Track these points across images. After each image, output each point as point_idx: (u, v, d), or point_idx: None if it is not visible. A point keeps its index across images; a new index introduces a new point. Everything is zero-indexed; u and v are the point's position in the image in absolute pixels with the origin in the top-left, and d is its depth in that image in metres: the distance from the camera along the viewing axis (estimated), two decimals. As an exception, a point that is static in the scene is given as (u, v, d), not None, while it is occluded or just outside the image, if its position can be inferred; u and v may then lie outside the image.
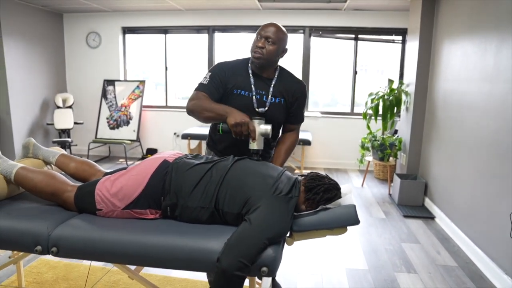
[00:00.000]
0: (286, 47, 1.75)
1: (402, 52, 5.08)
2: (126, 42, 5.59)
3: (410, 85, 4.09)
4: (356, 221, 1.36)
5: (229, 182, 1.39)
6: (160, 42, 5.53)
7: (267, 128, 1.57)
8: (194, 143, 5.17)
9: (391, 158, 4.35)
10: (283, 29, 1.70)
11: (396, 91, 4.11)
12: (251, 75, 1.74)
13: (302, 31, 5.19)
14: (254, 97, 1.71)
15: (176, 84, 5.76)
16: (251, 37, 5.80)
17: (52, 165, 1.80)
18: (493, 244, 2.46)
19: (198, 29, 5.39)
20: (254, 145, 1.58)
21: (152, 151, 5.62)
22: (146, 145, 5.66)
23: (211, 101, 1.66)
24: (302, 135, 4.69)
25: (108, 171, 1.74)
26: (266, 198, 1.32)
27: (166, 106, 5.66)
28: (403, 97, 4.11)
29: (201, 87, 1.73)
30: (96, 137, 5.33)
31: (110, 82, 5.47)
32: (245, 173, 1.42)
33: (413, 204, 3.79)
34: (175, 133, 5.56)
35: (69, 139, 4.85)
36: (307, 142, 4.59)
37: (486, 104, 2.64)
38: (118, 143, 5.15)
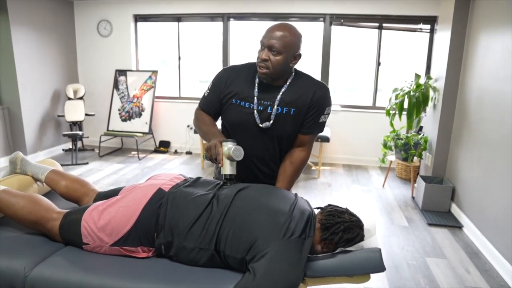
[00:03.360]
0: (299, 52, 1.46)
1: (430, 42, 4.70)
2: (138, 30, 5.39)
3: (438, 80, 3.75)
4: (381, 269, 1.15)
5: (231, 220, 1.19)
6: (173, 30, 5.30)
7: (230, 149, 1.36)
8: (207, 137, 4.99)
9: (415, 158, 4.06)
10: (293, 29, 1.41)
11: (423, 87, 3.79)
12: (256, 84, 1.50)
13: (322, 19, 4.86)
14: (255, 110, 1.48)
15: (190, 74, 5.55)
16: (268, 25, 5.47)
17: (43, 183, 1.64)
18: (532, 269, 2.20)
19: (212, 17, 5.13)
20: (223, 170, 1.40)
21: (165, 144, 5.48)
22: (158, 137, 5.52)
23: (205, 122, 1.54)
24: (319, 131, 4.44)
25: (102, 191, 1.57)
26: (275, 243, 1.11)
27: (180, 97, 5.48)
28: (431, 93, 3.78)
29: (201, 102, 1.61)
30: (107, 130, 5.22)
31: (122, 72, 5.32)
32: (250, 208, 1.22)
33: (438, 210, 3.52)
34: (188, 126, 5.39)
35: (79, 132, 4.74)
36: (325, 139, 4.34)
37: (531, 110, 2.33)
38: (130, 136, 5.03)
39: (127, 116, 5.24)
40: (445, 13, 3.70)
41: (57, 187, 1.56)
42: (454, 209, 3.46)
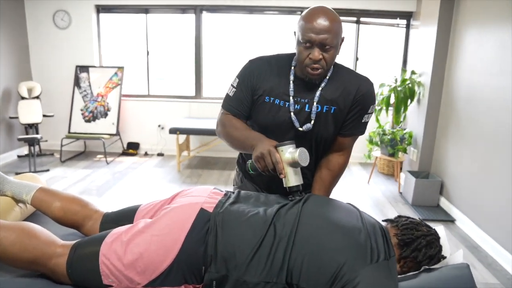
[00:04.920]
0: (343, 35, 1.27)
1: (406, 37, 4.73)
2: (101, 22, 4.91)
3: (423, 75, 3.75)
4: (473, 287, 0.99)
5: (303, 245, 0.97)
6: (140, 23, 4.89)
7: (294, 154, 1.13)
8: (182, 137, 4.67)
9: (400, 153, 4.05)
10: (333, 12, 1.19)
11: (408, 81, 3.77)
12: (291, 81, 1.29)
13: (299, 12, 4.71)
14: (292, 112, 1.27)
15: (159, 71, 5.18)
16: (244, 18, 5.28)
17: (27, 204, 1.31)
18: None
19: (183, 9, 4.78)
20: (287, 182, 1.16)
21: (134, 146, 5.06)
22: (126, 139, 5.09)
23: (237, 127, 1.28)
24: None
25: (109, 211, 1.27)
26: (365, 270, 0.92)
27: (148, 95, 5.08)
28: (415, 88, 3.77)
29: (226, 104, 1.35)
30: (69, 132, 4.71)
31: (84, 69, 4.82)
32: (322, 227, 1.00)
33: (428, 204, 3.52)
34: (159, 125, 5.02)
35: (37, 136, 4.21)
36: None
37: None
38: (96, 138, 4.57)
39: (91, 116, 4.77)
40: (428, 8, 3.70)
41: (49, 210, 1.24)
42: (443, 202, 3.47)
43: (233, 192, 1.18)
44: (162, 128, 5.01)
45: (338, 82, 1.31)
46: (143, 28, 4.87)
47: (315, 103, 1.27)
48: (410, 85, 3.70)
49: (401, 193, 3.87)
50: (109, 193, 3.61)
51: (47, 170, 4.18)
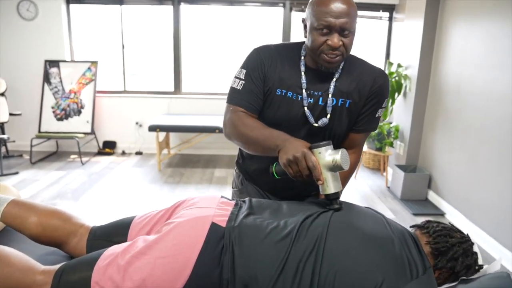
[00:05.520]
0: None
1: (389, 30, 4.70)
2: (71, 13, 4.59)
3: (409, 68, 3.71)
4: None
5: (334, 260, 0.85)
6: (114, 14, 4.61)
7: (336, 157, 0.98)
8: (161, 135, 4.46)
9: (387, 148, 4.02)
10: None
11: (395, 75, 3.72)
12: (303, 72, 1.17)
13: (282, 4, 4.58)
14: (305, 107, 1.15)
15: (132, 66, 4.91)
16: (224, 9, 5.07)
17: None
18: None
19: (160, 0, 4.55)
20: (325, 189, 1.01)
21: (110, 145, 4.80)
22: (102, 137, 4.81)
23: (253, 127, 1.11)
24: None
25: (97, 225, 1.09)
26: (407, 286, 0.80)
27: (125, 91, 4.82)
28: (402, 81, 3.74)
29: (235, 97, 1.17)
30: (40, 131, 4.39)
31: (54, 63, 4.49)
32: (354, 240, 0.88)
33: (417, 198, 3.50)
34: (137, 123, 4.78)
35: (4, 136, 3.89)
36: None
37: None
38: (69, 137, 4.28)
39: (64, 114, 4.47)
40: (414, 1, 3.65)
41: (24, 226, 1.05)
42: (432, 196, 3.46)
43: (244, 201, 1.04)
44: (140, 125, 4.78)
45: (353, 73, 1.20)
46: (118, 20, 4.59)
47: (330, 96, 1.15)
48: (396, 78, 3.66)
49: (388, 187, 3.84)
50: (85, 196, 3.37)
51: (16, 173, 3.88)
